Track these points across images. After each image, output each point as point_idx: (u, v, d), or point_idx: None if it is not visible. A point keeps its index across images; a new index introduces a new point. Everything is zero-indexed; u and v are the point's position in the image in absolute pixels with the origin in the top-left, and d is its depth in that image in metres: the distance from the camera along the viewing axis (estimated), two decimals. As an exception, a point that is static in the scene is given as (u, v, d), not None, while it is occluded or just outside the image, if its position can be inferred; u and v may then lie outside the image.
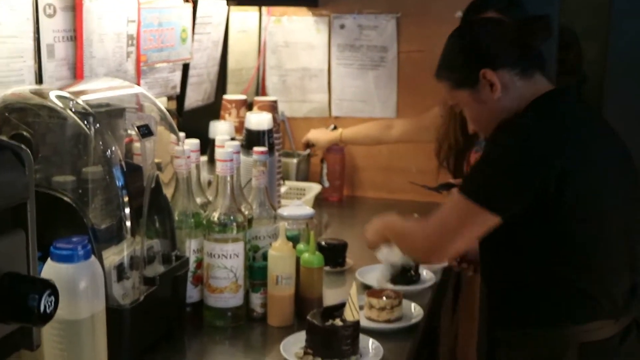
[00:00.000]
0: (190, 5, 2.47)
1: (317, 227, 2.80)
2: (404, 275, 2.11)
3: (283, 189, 2.67)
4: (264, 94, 3.29)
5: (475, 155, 2.59)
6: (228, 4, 2.51)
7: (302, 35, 3.25)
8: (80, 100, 1.53)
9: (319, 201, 2.97)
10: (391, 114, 3.19)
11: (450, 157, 2.64)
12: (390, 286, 2.05)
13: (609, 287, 1.74)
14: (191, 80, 2.64)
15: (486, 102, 1.77)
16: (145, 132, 1.62)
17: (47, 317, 0.88)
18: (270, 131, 2.31)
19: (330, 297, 1.96)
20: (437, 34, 3.07)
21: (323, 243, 2.24)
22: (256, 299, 1.87)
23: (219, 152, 1.86)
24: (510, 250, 1.76)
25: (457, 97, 1.84)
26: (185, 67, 2.58)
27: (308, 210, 2.08)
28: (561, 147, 1.67)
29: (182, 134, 1.84)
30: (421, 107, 3.14)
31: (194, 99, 2.70)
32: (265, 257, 1.88)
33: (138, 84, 2.26)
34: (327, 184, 3.13)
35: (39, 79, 1.85)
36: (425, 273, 2.18)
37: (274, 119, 2.39)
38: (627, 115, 3.35)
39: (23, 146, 1.05)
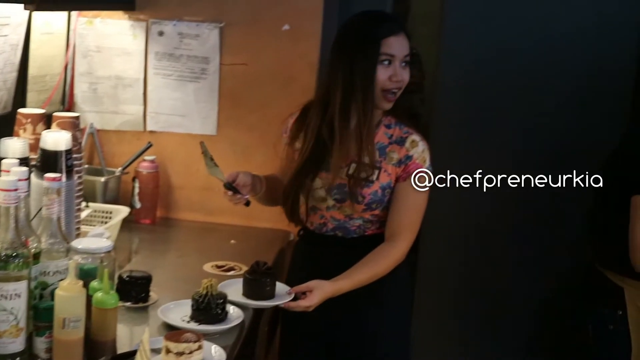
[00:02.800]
0: (-17, 5, 2.42)
1: (126, 254, 2.79)
2: (208, 312, 2.14)
3: (85, 213, 2.65)
4: (71, 103, 3.25)
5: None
6: (26, 9, 2.47)
7: (116, 40, 3.23)
8: None
9: (130, 224, 2.96)
10: (211, 130, 3.23)
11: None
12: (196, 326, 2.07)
13: None
14: (-17, 88, 2.58)
15: None
16: None
17: None
18: (69, 152, 2.28)
19: (128, 337, 1.97)
20: (263, 47, 3.20)
21: (125, 276, 2.25)
22: (41, 344, 1.85)
23: (1, 180, 1.83)
24: None
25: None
26: (-24, 74, 2.52)
27: (104, 243, 2.06)
28: None
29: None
30: (244, 124, 3.22)
31: (-15, 109, 2.64)
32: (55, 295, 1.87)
33: None
34: (138, 205, 3.13)
35: None
36: (232, 310, 2.21)
37: (75, 138, 2.37)
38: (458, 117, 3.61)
39: None
